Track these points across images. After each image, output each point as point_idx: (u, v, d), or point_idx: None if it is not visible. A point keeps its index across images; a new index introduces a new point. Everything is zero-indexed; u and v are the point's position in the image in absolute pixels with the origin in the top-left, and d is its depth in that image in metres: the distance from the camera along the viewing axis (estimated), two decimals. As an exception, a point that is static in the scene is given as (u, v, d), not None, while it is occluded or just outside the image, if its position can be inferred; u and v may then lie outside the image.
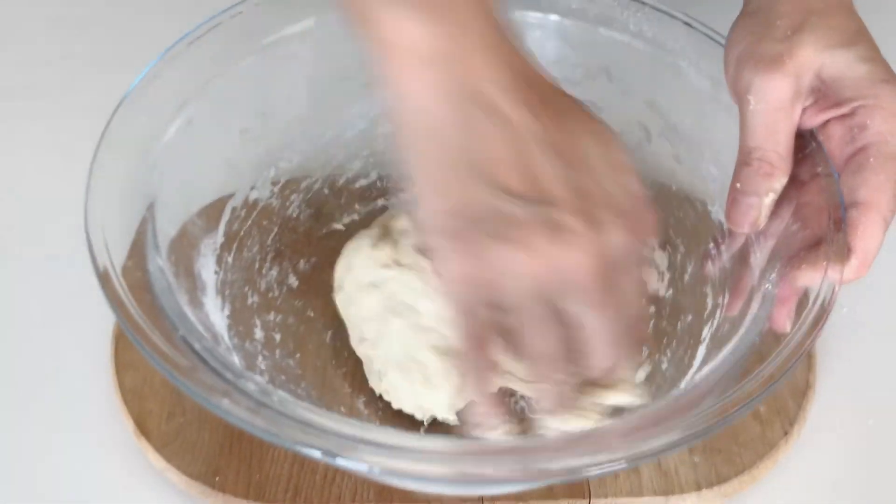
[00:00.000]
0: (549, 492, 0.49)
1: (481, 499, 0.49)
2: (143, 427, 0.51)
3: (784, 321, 0.43)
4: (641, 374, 0.51)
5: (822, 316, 0.42)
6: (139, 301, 0.42)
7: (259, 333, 0.53)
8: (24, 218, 0.63)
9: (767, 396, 0.52)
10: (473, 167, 0.35)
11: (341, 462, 0.38)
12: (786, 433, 0.52)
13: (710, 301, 0.51)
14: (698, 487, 0.50)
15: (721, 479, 0.50)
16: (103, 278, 0.42)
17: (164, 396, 0.52)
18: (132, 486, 0.51)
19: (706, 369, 0.46)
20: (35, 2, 0.79)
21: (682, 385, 0.48)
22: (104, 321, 0.55)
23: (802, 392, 0.54)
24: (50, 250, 0.61)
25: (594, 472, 0.38)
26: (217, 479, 0.49)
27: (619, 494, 0.50)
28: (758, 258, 0.48)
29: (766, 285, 0.45)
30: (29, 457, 0.52)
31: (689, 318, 0.52)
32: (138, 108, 0.48)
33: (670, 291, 0.55)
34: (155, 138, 0.49)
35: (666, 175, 0.56)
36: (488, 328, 0.38)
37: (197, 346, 0.41)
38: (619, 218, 0.36)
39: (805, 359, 0.55)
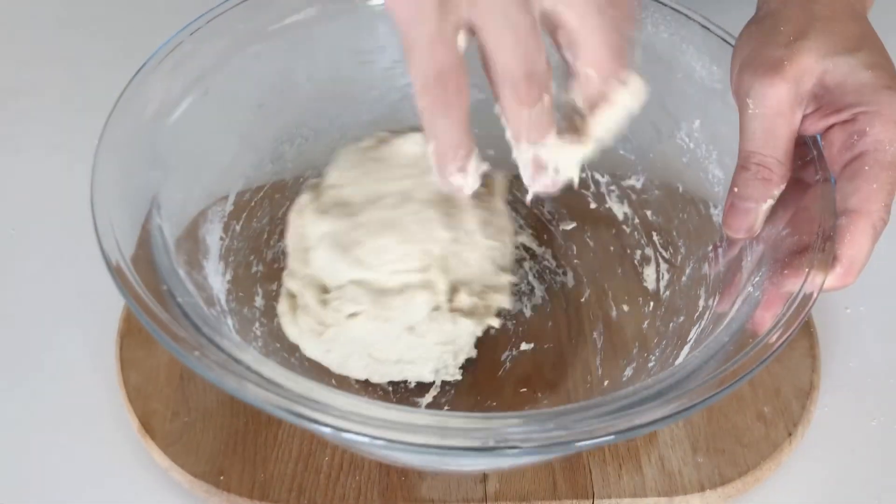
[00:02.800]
0: (553, 492, 0.50)
1: (485, 496, 0.50)
2: (147, 426, 0.51)
3: (766, 323, 0.43)
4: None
5: (797, 317, 0.42)
6: (134, 255, 0.43)
7: (259, 301, 0.54)
8: (28, 218, 0.64)
9: (769, 398, 0.52)
10: None
11: (305, 424, 0.38)
12: (790, 434, 0.52)
13: (702, 303, 0.51)
14: (702, 488, 0.50)
15: (724, 480, 0.50)
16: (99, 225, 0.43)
17: (168, 395, 0.53)
18: (136, 485, 0.51)
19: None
20: (36, 2, 0.81)
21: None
22: (109, 320, 0.56)
23: (806, 393, 0.53)
24: (54, 250, 0.62)
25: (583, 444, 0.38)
26: (221, 478, 0.50)
27: (622, 495, 0.50)
28: (749, 261, 0.47)
29: (749, 288, 0.45)
30: (34, 455, 0.52)
31: (681, 319, 0.52)
32: (154, 78, 0.49)
33: (667, 293, 0.55)
34: (170, 109, 0.50)
35: (673, 176, 0.56)
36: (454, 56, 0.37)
37: (181, 300, 0.42)
38: None
39: (809, 360, 0.54)
